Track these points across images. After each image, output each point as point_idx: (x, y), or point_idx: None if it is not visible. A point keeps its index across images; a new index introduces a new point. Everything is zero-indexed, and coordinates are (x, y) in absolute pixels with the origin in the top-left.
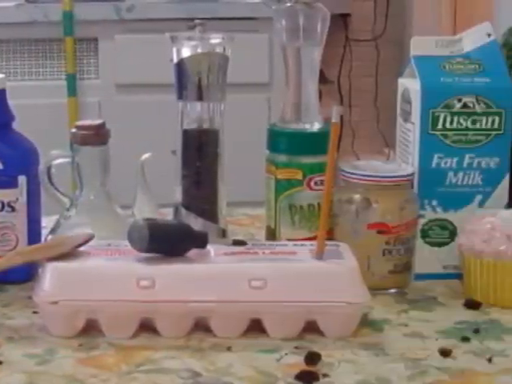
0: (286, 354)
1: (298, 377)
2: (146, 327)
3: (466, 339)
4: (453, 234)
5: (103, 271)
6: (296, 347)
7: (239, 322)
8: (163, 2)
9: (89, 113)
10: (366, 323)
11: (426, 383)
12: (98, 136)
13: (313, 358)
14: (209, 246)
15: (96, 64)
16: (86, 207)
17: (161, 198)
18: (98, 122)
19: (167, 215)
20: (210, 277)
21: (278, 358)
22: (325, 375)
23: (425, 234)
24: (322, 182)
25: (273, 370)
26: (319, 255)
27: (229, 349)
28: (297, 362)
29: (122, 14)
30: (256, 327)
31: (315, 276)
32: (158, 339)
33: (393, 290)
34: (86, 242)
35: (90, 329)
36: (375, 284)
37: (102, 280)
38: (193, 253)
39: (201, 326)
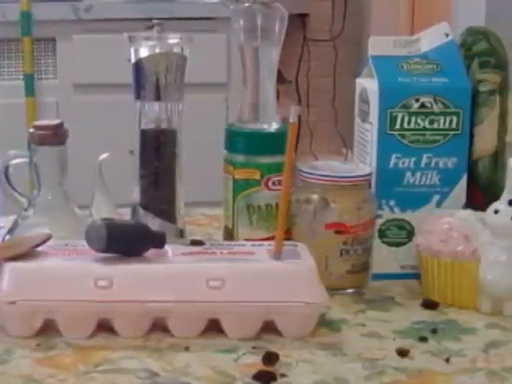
0: (244, 353)
1: (256, 377)
2: (104, 327)
3: (423, 339)
4: (410, 234)
5: (61, 271)
6: (254, 347)
7: (197, 322)
8: (121, 2)
9: (47, 113)
10: (324, 323)
11: (383, 383)
12: (55, 136)
13: (270, 358)
14: (167, 246)
15: (54, 64)
16: (43, 207)
17: (119, 198)
18: (55, 122)
19: (125, 215)
20: (168, 277)
21: (235, 358)
22: (282, 375)
23: (382, 234)
24: (279, 182)
25: (230, 370)
26: (277, 255)
27: (187, 349)
28: (254, 362)
29: (79, 14)
30: (214, 327)
31: (273, 276)
32: (115, 339)
33: (350, 290)
34: (44, 242)
35: (48, 329)
36: (333, 284)
37: (59, 280)
38: (151, 253)
39: (159, 326)
